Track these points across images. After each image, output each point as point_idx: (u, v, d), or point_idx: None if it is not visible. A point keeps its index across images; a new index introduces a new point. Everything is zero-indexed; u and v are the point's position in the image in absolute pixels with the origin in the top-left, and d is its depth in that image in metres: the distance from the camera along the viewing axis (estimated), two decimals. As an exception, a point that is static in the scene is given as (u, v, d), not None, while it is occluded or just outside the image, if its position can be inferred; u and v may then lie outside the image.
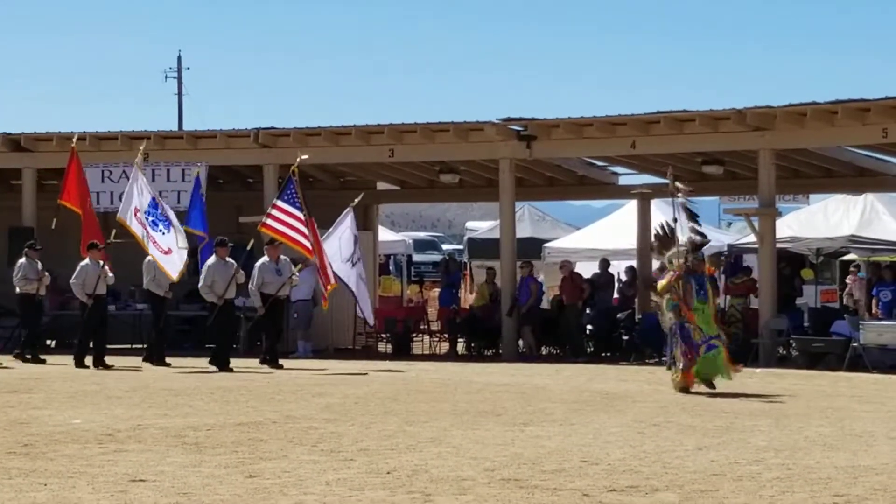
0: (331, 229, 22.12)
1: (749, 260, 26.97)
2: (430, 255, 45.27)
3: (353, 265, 22.02)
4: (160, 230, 21.67)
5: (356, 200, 22.77)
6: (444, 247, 49.14)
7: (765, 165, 23.04)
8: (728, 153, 24.76)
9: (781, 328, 22.71)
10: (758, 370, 20.53)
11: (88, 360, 21.46)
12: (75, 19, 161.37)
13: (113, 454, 11.23)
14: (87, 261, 21.77)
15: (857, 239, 26.93)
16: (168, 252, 21.54)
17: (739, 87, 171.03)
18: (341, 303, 24.49)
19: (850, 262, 30.53)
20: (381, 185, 30.35)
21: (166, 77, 62.59)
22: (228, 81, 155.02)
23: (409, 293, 33.99)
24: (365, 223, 28.12)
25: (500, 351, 24.87)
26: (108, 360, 21.53)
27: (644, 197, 28.05)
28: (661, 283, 17.66)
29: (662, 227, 17.97)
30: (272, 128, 25.78)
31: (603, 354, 24.42)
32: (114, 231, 22.35)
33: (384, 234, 35.27)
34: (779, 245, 24.17)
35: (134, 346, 25.13)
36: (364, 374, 20.17)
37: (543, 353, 25.17)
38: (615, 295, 26.87)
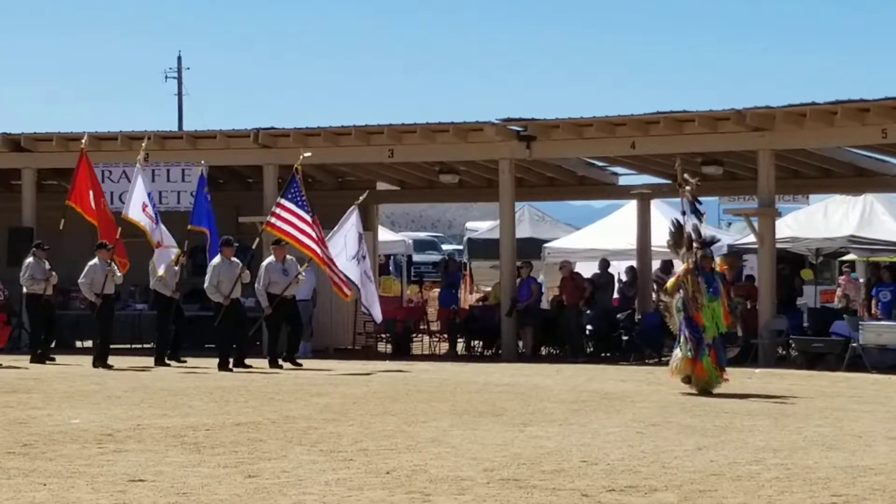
0: (336, 227, 22.10)
1: (749, 260, 27.01)
2: (430, 256, 45.30)
3: (359, 262, 22.00)
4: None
5: (360, 199, 22.77)
6: (444, 247, 49.16)
7: (764, 166, 23.03)
8: (728, 153, 24.75)
9: (781, 328, 22.71)
10: (757, 370, 20.53)
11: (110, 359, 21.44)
12: (75, 19, 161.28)
13: (112, 454, 11.24)
14: (95, 260, 21.79)
15: (857, 239, 26.97)
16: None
17: (739, 88, 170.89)
18: (340, 303, 24.49)
19: (850, 262, 30.55)
20: (381, 186, 30.35)
21: (166, 77, 62.58)
22: (228, 82, 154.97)
23: (408, 293, 33.97)
24: (365, 223, 27.91)
25: (500, 351, 24.87)
26: (109, 360, 21.54)
27: (644, 197, 28.07)
28: (670, 282, 17.66)
29: (674, 224, 17.93)
30: (272, 128, 25.77)
31: (602, 355, 24.40)
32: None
33: (384, 235, 35.29)
34: (778, 245, 24.18)
35: (133, 346, 25.14)
36: (364, 374, 20.17)
37: (543, 353, 25.16)
38: (615, 295, 26.87)
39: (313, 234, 21.50)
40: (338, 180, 29.69)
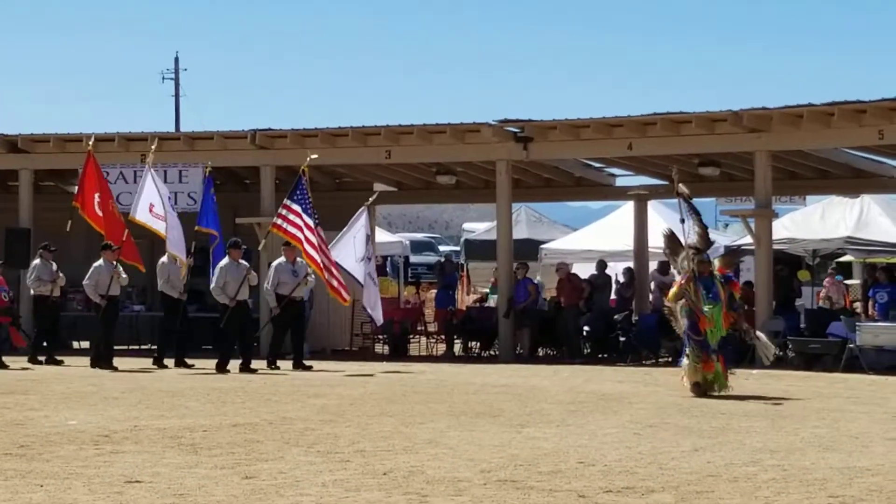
0: (345, 228, 22.08)
1: (745, 261, 26.98)
2: (427, 257, 45.28)
3: (366, 264, 21.98)
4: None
5: (371, 199, 22.81)
6: (441, 248, 49.17)
7: (761, 167, 23.05)
8: (724, 154, 24.77)
9: (778, 329, 22.71)
10: (754, 371, 20.53)
11: (111, 361, 21.39)
12: (73, 20, 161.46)
13: (109, 455, 11.24)
14: (100, 262, 21.77)
15: (854, 240, 26.97)
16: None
17: (736, 89, 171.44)
18: (338, 304, 24.47)
19: (847, 263, 30.58)
20: (378, 187, 30.35)
21: (163, 78, 62.70)
22: (226, 83, 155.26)
23: (405, 294, 33.94)
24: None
25: (497, 352, 24.88)
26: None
27: (641, 198, 28.10)
28: (672, 291, 17.66)
29: (666, 234, 17.94)
30: (269, 129, 25.75)
31: (600, 356, 24.42)
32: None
33: (381, 236, 35.28)
34: (775, 247, 24.18)
35: (131, 347, 25.13)
36: (362, 375, 20.18)
37: (540, 354, 25.16)
38: (612, 296, 26.88)
39: (314, 241, 21.48)
40: (335, 181, 29.70)
